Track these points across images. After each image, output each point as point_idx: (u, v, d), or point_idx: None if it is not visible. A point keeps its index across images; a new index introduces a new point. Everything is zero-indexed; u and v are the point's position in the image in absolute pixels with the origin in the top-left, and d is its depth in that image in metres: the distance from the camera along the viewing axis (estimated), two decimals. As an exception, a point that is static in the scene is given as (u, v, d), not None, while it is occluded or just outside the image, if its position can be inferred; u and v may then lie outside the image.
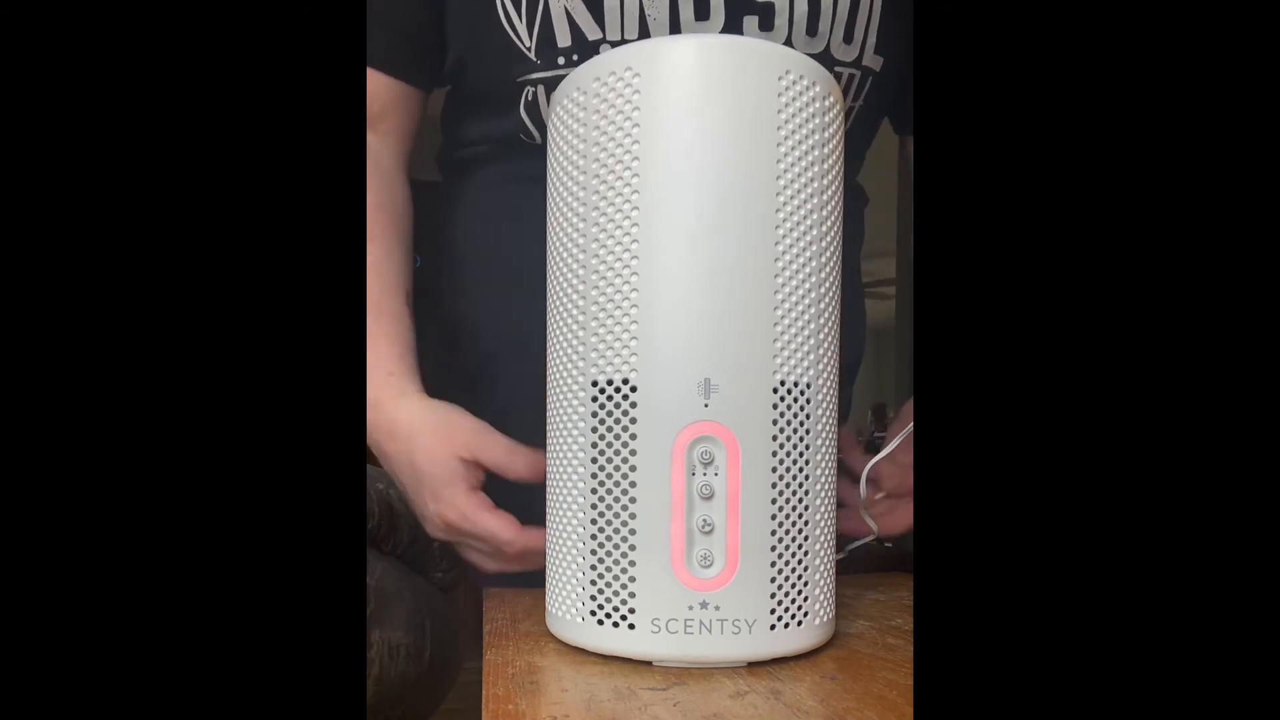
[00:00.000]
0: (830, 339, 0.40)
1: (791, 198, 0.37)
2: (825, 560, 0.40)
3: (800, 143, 0.37)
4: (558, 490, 0.41)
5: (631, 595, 0.37)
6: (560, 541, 0.41)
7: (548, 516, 0.42)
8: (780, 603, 0.37)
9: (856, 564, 0.62)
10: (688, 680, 0.36)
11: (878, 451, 0.57)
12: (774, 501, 0.37)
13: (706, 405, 0.36)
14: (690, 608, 0.36)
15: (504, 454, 0.50)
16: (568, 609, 0.40)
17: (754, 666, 0.38)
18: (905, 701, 0.33)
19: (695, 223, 0.36)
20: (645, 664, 0.38)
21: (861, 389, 0.77)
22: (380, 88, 0.60)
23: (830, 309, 0.40)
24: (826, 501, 0.40)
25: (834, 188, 0.40)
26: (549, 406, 0.42)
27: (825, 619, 0.40)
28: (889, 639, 0.43)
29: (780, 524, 0.37)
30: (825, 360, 0.39)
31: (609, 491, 0.38)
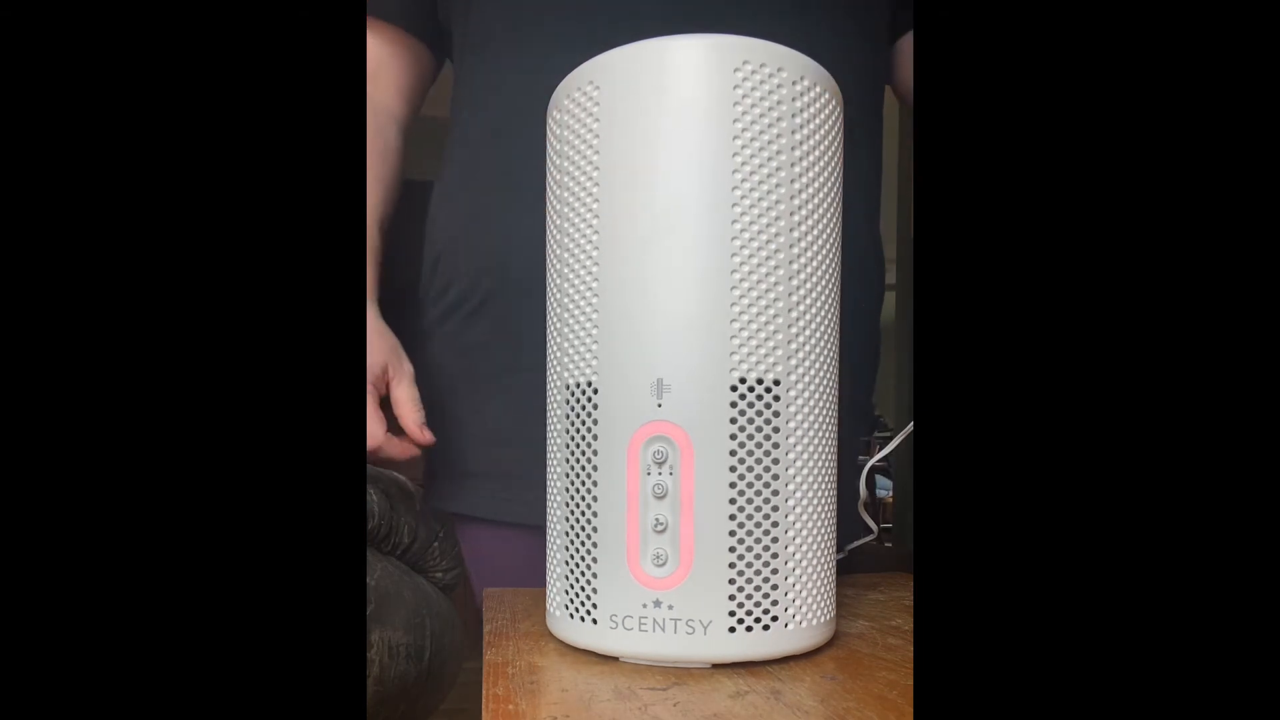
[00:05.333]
0: (812, 336, 0.38)
1: (749, 193, 0.36)
2: (824, 560, 0.39)
3: (756, 136, 0.36)
4: (550, 489, 0.42)
5: (595, 591, 0.38)
6: (550, 538, 0.42)
7: (546, 515, 0.43)
8: (742, 605, 0.36)
9: (856, 564, 0.62)
10: (688, 680, 0.36)
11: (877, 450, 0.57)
12: (733, 501, 0.36)
13: (660, 405, 0.36)
14: (645, 605, 0.37)
15: (405, 386, 0.60)
16: (553, 604, 0.41)
17: (754, 666, 0.37)
18: (905, 701, 0.33)
19: (649, 225, 0.37)
20: (645, 665, 0.38)
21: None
22: (379, 38, 0.66)
23: (813, 306, 0.38)
24: (815, 501, 0.38)
25: (808, 180, 0.38)
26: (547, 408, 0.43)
27: (825, 619, 0.40)
28: (889, 639, 0.43)
29: (741, 524, 0.36)
30: (800, 358, 0.38)
31: (577, 490, 0.39)
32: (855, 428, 0.66)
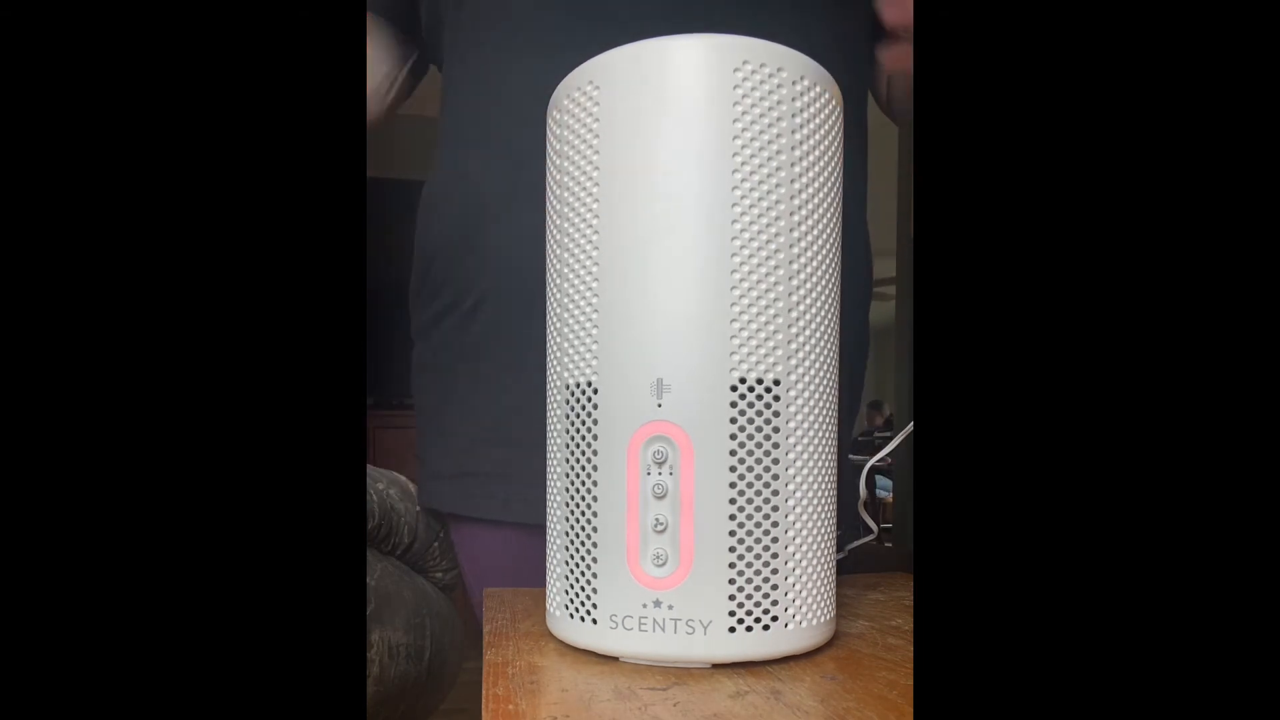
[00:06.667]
0: (812, 336, 0.38)
1: (749, 193, 0.36)
2: (824, 560, 0.39)
3: (756, 136, 0.36)
4: (550, 489, 0.42)
5: (595, 591, 0.38)
6: (550, 538, 0.42)
7: (546, 514, 0.43)
8: (742, 605, 0.36)
9: (856, 564, 0.62)
10: (688, 680, 0.36)
11: (877, 450, 0.57)
12: (733, 501, 0.36)
13: (660, 405, 0.36)
14: (645, 605, 0.37)
15: None
16: (553, 604, 0.41)
17: (754, 666, 0.37)
18: (905, 701, 0.33)
19: (649, 225, 0.37)
20: (645, 665, 0.38)
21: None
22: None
23: (813, 306, 0.38)
24: (815, 501, 0.38)
25: (808, 179, 0.38)
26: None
27: (825, 619, 0.40)
28: (889, 639, 0.43)
29: (741, 524, 0.36)
30: (800, 357, 0.38)
31: (577, 490, 0.39)
32: (848, 422, 0.66)
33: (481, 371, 0.61)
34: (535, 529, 0.59)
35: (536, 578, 0.58)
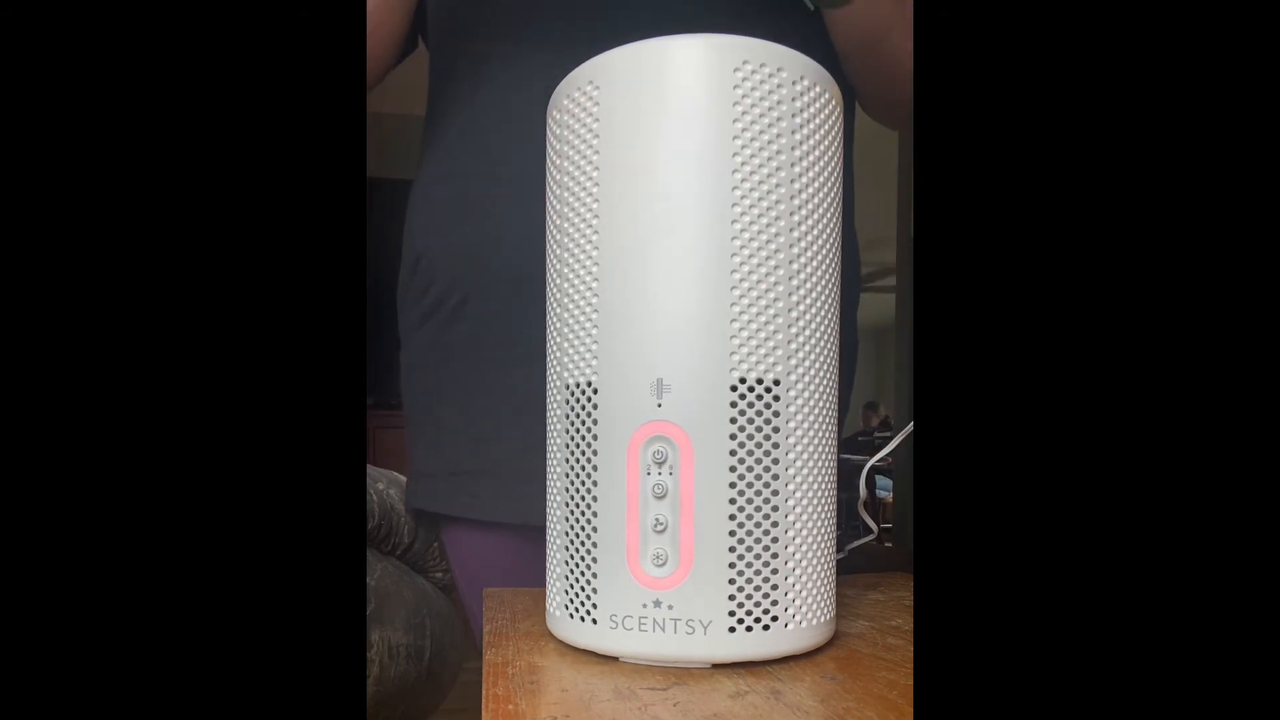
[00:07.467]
0: (812, 336, 0.38)
1: (749, 193, 0.36)
2: (824, 560, 0.39)
3: (756, 136, 0.36)
4: (550, 489, 0.42)
5: (595, 591, 0.38)
6: (550, 538, 0.42)
7: (546, 514, 0.43)
8: (742, 605, 0.36)
9: (856, 564, 0.62)
10: (688, 680, 0.36)
11: (876, 450, 0.57)
12: (733, 501, 0.36)
13: (660, 405, 0.36)
14: (645, 605, 0.37)
15: None
16: (553, 604, 0.41)
17: (754, 666, 0.37)
18: (905, 701, 0.33)
19: (649, 224, 0.37)
20: (645, 665, 0.38)
21: (856, 388, 0.77)
22: None
23: (813, 306, 0.38)
24: (815, 501, 0.38)
25: (808, 179, 0.38)
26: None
27: (825, 619, 0.40)
28: (889, 639, 0.43)
29: (741, 524, 0.36)
30: (800, 358, 0.38)
31: (577, 490, 0.39)
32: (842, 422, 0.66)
33: (465, 370, 0.61)
34: (522, 529, 0.59)
35: (526, 577, 0.58)
